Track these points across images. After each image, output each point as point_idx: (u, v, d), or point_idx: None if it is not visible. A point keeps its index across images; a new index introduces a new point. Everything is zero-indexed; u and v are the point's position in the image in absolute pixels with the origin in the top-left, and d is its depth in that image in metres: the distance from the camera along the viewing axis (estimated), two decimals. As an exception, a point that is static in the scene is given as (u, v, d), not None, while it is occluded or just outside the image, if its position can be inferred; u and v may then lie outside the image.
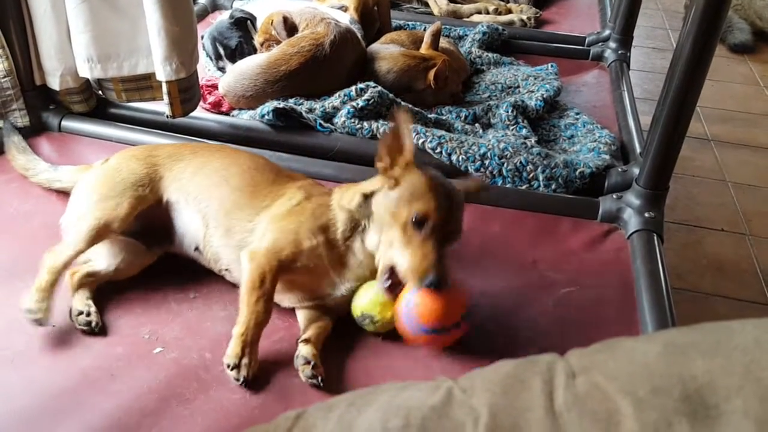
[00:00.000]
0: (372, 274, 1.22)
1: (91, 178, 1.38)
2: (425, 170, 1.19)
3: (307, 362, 1.16)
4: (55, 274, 1.24)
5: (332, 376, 1.18)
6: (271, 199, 1.30)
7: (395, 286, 1.16)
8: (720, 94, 3.34)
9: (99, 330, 1.23)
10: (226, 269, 1.31)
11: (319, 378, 1.15)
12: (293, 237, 1.21)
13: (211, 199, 1.31)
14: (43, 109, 1.83)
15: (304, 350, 1.18)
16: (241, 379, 1.13)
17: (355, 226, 1.23)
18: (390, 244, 1.16)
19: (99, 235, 1.28)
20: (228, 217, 1.29)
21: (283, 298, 1.28)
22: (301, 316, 1.28)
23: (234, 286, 1.32)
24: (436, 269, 1.10)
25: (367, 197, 1.23)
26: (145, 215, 1.34)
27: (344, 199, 1.25)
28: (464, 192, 1.24)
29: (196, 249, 1.32)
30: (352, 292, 1.24)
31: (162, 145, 1.52)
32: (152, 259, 1.36)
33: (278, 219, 1.26)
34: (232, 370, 1.13)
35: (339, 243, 1.23)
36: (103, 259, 1.33)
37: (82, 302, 1.26)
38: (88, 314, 1.24)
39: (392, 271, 1.16)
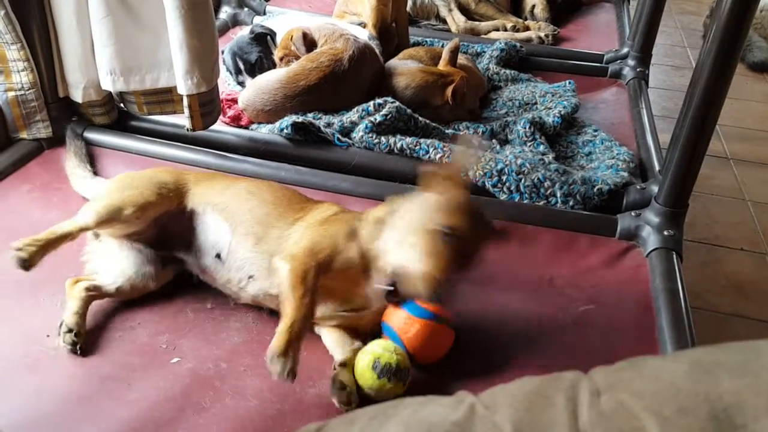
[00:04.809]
0: None
1: (119, 176, 1.43)
2: (467, 191, 1.21)
3: (343, 388, 1.15)
4: (52, 234, 1.27)
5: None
6: (306, 212, 1.33)
7: (395, 293, 1.16)
8: (739, 113, 3.31)
9: (81, 352, 1.21)
10: (250, 276, 1.29)
11: (354, 405, 1.14)
12: (331, 240, 1.23)
13: (241, 210, 1.33)
14: (66, 121, 1.85)
15: (342, 374, 1.17)
16: (286, 373, 1.08)
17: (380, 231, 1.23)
18: (408, 246, 1.14)
19: (111, 216, 1.29)
20: (260, 225, 1.30)
21: (321, 307, 1.25)
22: (329, 338, 1.27)
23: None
24: (442, 287, 1.09)
25: (396, 209, 1.23)
26: (165, 223, 1.35)
27: (375, 211, 1.27)
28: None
29: (217, 256, 1.32)
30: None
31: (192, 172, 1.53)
32: (157, 285, 1.36)
33: (315, 225, 1.28)
34: (274, 363, 1.08)
35: (367, 249, 1.22)
36: (109, 274, 1.33)
37: (74, 319, 1.24)
38: (77, 334, 1.22)
39: (395, 280, 1.15)
